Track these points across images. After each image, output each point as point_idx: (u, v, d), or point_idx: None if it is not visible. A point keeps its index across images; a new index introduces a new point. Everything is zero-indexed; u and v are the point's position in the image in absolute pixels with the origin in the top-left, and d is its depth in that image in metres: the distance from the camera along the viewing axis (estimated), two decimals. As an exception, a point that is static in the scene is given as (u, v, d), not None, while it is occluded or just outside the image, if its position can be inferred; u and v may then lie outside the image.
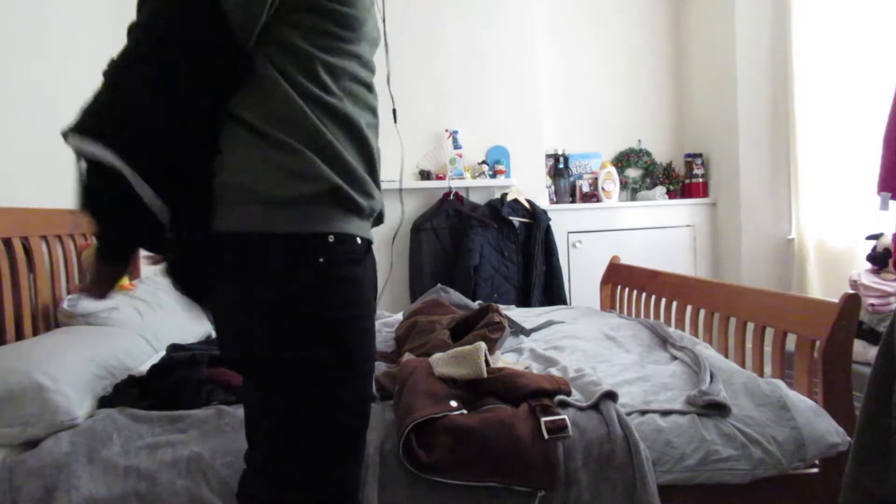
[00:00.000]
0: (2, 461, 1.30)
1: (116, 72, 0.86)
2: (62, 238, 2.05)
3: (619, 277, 2.88)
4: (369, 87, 1.02)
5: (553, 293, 3.45)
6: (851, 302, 1.45)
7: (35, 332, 1.81)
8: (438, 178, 3.49)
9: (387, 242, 3.49)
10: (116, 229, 0.90)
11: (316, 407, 0.93)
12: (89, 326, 1.83)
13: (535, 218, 3.45)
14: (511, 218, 3.39)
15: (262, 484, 0.96)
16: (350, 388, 0.96)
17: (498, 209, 3.40)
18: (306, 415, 0.93)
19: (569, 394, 1.49)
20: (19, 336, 1.73)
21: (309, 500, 0.95)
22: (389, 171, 3.52)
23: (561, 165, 3.82)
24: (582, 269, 3.63)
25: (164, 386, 1.55)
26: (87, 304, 1.86)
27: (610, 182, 3.74)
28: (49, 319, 1.90)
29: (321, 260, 0.90)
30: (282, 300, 0.90)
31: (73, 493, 1.25)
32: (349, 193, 0.93)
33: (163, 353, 1.90)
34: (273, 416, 0.93)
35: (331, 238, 0.91)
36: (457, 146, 3.50)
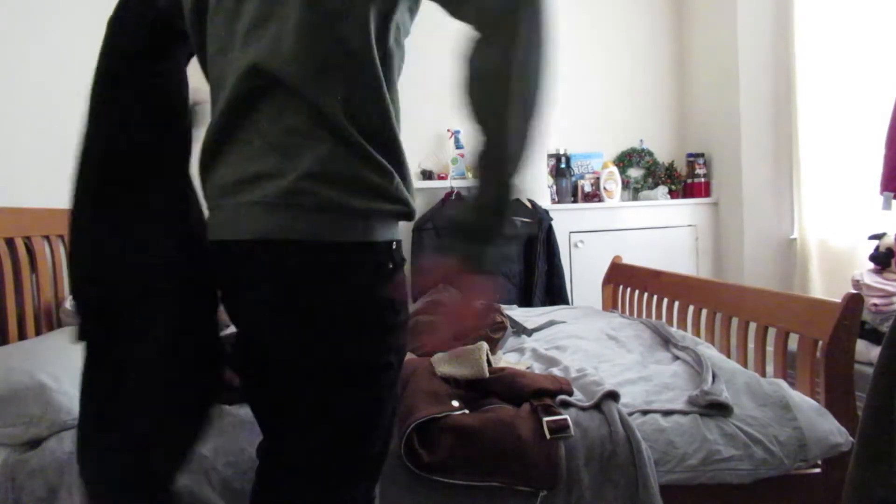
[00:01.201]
0: (4, 461, 1.30)
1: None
2: (64, 238, 2.05)
3: (620, 277, 2.88)
4: None
5: (555, 293, 3.45)
6: (854, 302, 1.45)
7: (38, 332, 1.81)
8: (440, 177, 3.49)
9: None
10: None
11: (380, 408, 0.94)
12: (91, 326, 1.83)
13: (537, 218, 3.44)
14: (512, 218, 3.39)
15: (305, 486, 0.94)
16: (397, 386, 0.98)
17: (500, 209, 3.39)
18: (371, 417, 0.94)
19: (570, 394, 1.49)
20: (22, 336, 1.73)
21: (356, 497, 0.97)
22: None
23: (563, 165, 3.81)
24: (584, 269, 3.62)
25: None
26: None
27: (612, 182, 3.74)
28: (51, 319, 1.90)
29: (390, 266, 0.91)
30: (361, 308, 0.88)
31: (75, 492, 1.25)
32: (413, 211, 0.94)
33: (165, 352, 1.90)
34: (335, 421, 0.92)
35: (394, 244, 0.92)
36: (458, 146, 3.50)
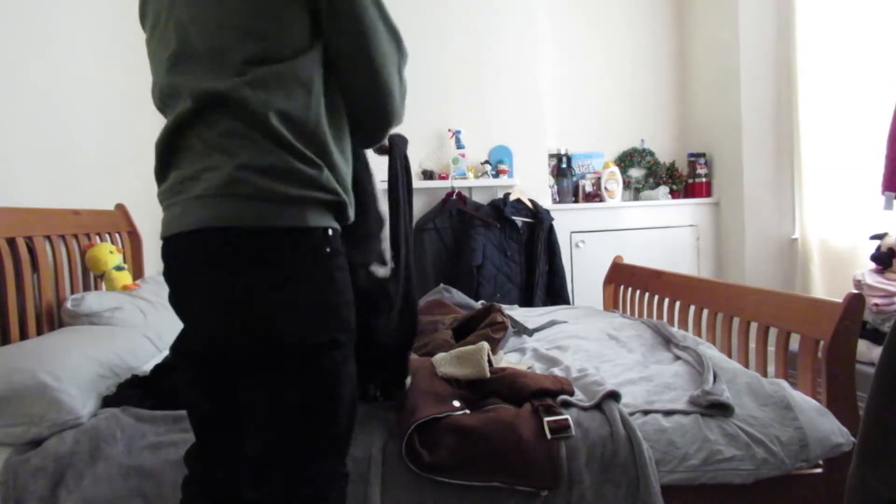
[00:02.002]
0: (6, 460, 1.30)
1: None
2: (66, 238, 2.05)
3: (621, 277, 2.88)
4: None
5: (556, 293, 3.45)
6: (855, 302, 1.45)
7: (39, 332, 1.81)
8: (441, 177, 3.49)
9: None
10: None
11: (335, 384, 1.01)
12: (93, 326, 1.83)
13: (538, 218, 3.44)
14: (514, 218, 3.39)
15: (270, 468, 0.99)
16: (352, 362, 1.05)
17: (501, 209, 3.40)
18: (328, 393, 1.00)
19: (572, 394, 1.49)
20: (23, 336, 1.73)
21: (334, 466, 1.03)
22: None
23: (564, 165, 3.81)
24: (585, 269, 3.63)
25: (168, 385, 1.55)
26: (91, 304, 1.87)
27: (613, 182, 3.74)
28: (53, 319, 1.90)
29: (328, 250, 0.99)
30: (300, 289, 0.96)
31: (76, 492, 1.25)
32: (345, 201, 1.03)
33: (166, 352, 1.90)
34: (291, 401, 0.98)
35: (330, 231, 1.00)
36: (459, 146, 3.50)
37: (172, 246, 1.01)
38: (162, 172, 1.03)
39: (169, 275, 1.04)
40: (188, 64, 0.98)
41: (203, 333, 1.03)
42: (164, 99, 1.03)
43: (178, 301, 1.05)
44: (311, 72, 0.98)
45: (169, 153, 1.01)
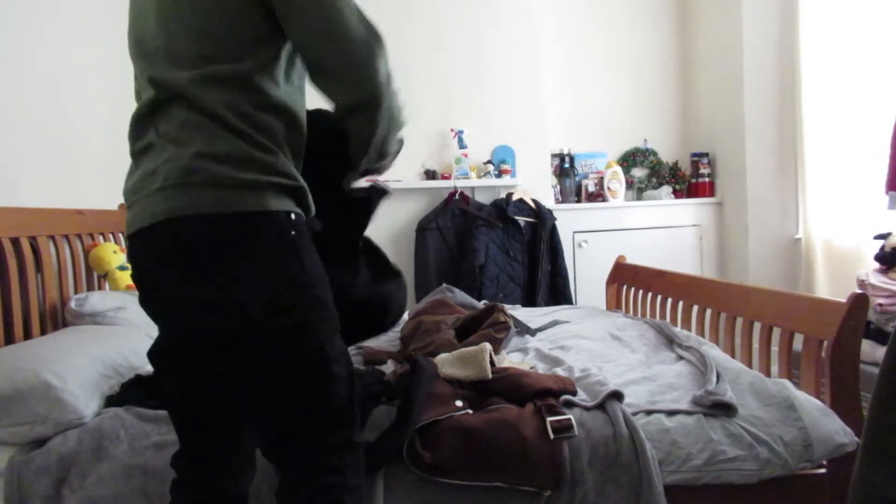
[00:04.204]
0: (10, 459, 1.31)
1: None
2: (69, 238, 2.06)
3: (624, 277, 2.87)
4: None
5: (558, 293, 3.44)
6: (859, 302, 1.44)
7: (43, 332, 1.82)
8: (444, 177, 3.49)
9: (393, 242, 3.49)
10: None
11: (318, 361, 1.01)
12: (96, 326, 1.84)
13: (541, 218, 3.44)
14: (516, 218, 3.39)
15: (276, 444, 1.04)
16: (338, 339, 1.06)
17: (503, 209, 3.40)
18: (319, 373, 1.01)
19: (574, 394, 1.49)
20: (27, 335, 1.74)
21: (345, 438, 1.04)
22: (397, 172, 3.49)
23: (566, 165, 3.81)
24: (587, 269, 3.62)
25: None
26: (95, 304, 1.87)
27: (616, 181, 3.73)
28: (57, 319, 1.91)
29: (293, 233, 0.99)
30: (267, 272, 0.96)
31: (80, 491, 1.26)
32: (302, 185, 1.03)
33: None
34: (278, 382, 1.00)
35: (293, 216, 1.00)
36: (462, 146, 3.50)
37: (136, 245, 1.00)
38: (129, 176, 1.04)
39: (136, 276, 1.03)
40: (151, 58, 1.02)
41: (177, 331, 1.02)
42: (139, 91, 1.06)
43: (147, 301, 1.04)
44: (261, 72, 1.00)
45: (138, 150, 1.02)
